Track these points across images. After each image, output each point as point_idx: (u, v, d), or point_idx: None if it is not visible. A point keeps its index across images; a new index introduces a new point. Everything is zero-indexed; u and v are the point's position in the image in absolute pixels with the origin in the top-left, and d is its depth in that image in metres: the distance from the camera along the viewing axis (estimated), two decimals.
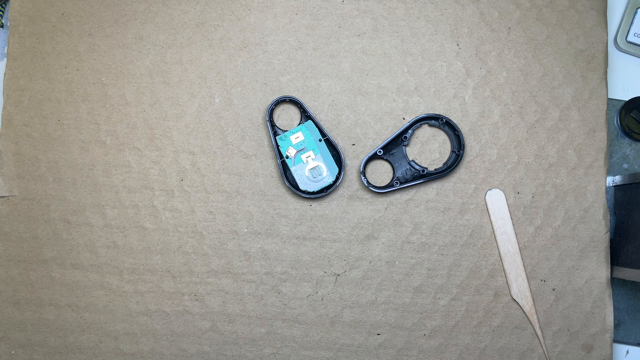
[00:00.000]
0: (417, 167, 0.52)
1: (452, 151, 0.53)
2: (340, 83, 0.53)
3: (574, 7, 0.53)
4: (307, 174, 0.52)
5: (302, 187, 0.52)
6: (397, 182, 0.52)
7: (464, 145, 0.52)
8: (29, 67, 0.53)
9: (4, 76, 0.53)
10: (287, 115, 0.53)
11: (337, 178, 0.52)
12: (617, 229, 0.54)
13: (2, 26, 0.57)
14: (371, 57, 0.53)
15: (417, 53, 0.53)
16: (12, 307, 0.52)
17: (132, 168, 0.53)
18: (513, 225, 0.52)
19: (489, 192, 0.52)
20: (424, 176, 0.52)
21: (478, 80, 0.53)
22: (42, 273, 0.52)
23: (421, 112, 0.53)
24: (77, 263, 0.52)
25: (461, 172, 0.52)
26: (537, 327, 0.51)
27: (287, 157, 0.52)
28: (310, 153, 0.52)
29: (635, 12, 0.57)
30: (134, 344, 0.52)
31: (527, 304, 0.51)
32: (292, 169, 0.52)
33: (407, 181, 0.52)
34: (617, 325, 0.54)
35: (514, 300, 0.52)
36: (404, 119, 0.53)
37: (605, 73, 0.53)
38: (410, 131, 0.52)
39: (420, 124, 0.53)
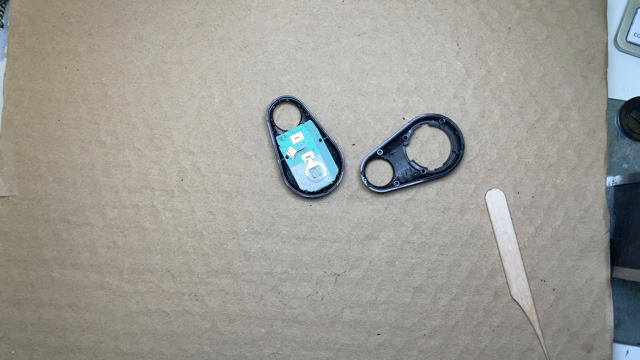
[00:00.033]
0: (417, 167, 0.52)
1: (452, 151, 0.53)
2: (340, 83, 0.53)
3: (574, 7, 0.53)
4: (307, 174, 0.52)
5: (302, 187, 0.52)
6: (397, 182, 0.52)
7: (464, 145, 0.52)
8: (29, 67, 0.53)
9: (4, 76, 0.53)
10: (287, 115, 0.53)
11: (337, 178, 0.52)
12: (617, 229, 0.54)
13: (2, 26, 0.57)
14: (371, 57, 0.53)
15: (417, 53, 0.53)
16: (12, 307, 0.52)
17: (132, 168, 0.53)
18: (513, 225, 0.52)
19: (489, 192, 0.52)
20: (424, 176, 0.52)
21: (478, 80, 0.53)
22: (42, 273, 0.52)
23: (421, 112, 0.53)
24: (77, 263, 0.52)
25: (461, 172, 0.52)
26: (537, 327, 0.51)
27: (287, 157, 0.52)
28: (310, 153, 0.52)
29: (635, 12, 0.57)
30: (134, 344, 0.52)
31: (527, 304, 0.51)
32: (292, 169, 0.52)
33: (407, 181, 0.52)
34: (617, 325, 0.54)
35: (514, 300, 0.52)
36: (404, 119, 0.53)
37: (605, 73, 0.53)
38: (410, 131, 0.52)
39: (420, 124, 0.53)
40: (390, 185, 0.52)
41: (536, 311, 0.52)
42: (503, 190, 0.52)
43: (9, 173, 0.53)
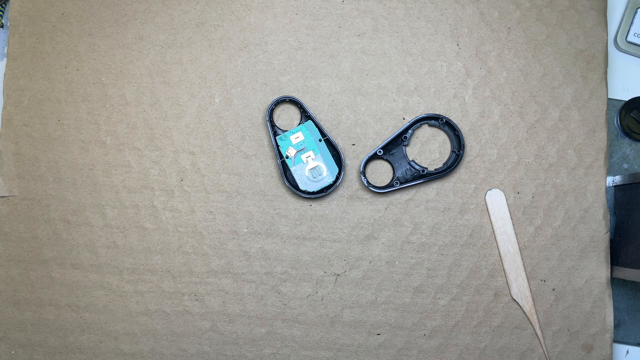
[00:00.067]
0: (417, 167, 0.52)
1: (452, 151, 0.53)
2: (340, 83, 0.53)
3: (574, 7, 0.53)
4: (307, 174, 0.52)
5: (302, 187, 0.52)
6: (397, 182, 0.52)
7: (464, 145, 0.52)
8: (29, 67, 0.53)
9: (4, 76, 0.53)
10: (287, 115, 0.53)
11: (337, 178, 0.52)
12: (617, 229, 0.54)
13: (2, 26, 0.57)
14: (371, 57, 0.53)
15: (417, 53, 0.53)
16: (12, 307, 0.52)
17: (132, 168, 0.53)
18: (513, 225, 0.52)
19: (489, 192, 0.52)
20: (424, 176, 0.52)
21: (478, 80, 0.53)
22: (42, 273, 0.52)
23: (421, 112, 0.53)
24: (77, 263, 0.52)
25: (461, 172, 0.52)
26: (537, 327, 0.51)
27: (287, 157, 0.52)
28: (310, 153, 0.52)
29: (635, 12, 0.57)
30: (134, 344, 0.52)
31: (527, 304, 0.51)
32: (292, 169, 0.52)
33: (407, 181, 0.52)
34: (617, 325, 0.54)
35: (514, 300, 0.52)
36: (404, 119, 0.53)
37: (605, 73, 0.53)
38: (410, 131, 0.52)
39: (420, 124, 0.53)
40: (390, 185, 0.52)
41: (536, 311, 0.52)
42: (503, 190, 0.52)
43: (9, 173, 0.53)
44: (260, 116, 0.53)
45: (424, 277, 0.52)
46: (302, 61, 0.53)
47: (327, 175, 0.52)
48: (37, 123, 0.53)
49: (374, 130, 0.53)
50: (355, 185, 0.52)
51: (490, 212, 0.52)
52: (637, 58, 0.57)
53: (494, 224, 0.52)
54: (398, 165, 0.52)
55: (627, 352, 0.55)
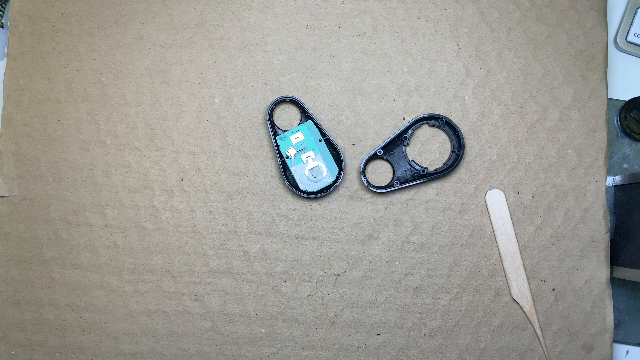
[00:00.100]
0: (417, 167, 0.52)
1: (452, 151, 0.53)
2: (340, 83, 0.53)
3: (574, 7, 0.53)
4: (307, 174, 0.52)
5: (302, 187, 0.52)
6: (397, 182, 0.52)
7: (464, 145, 0.52)
8: (29, 67, 0.53)
9: (4, 76, 0.53)
10: (287, 115, 0.53)
11: (337, 178, 0.52)
12: (617, 229, 0.54)
13: (2, 26, 0.57)
14: (371, 57, 0.53)
15: (417, 53, 0.53)
16: (12, 307, 0.52)
17: (132, 168, 0.53)
18: (513, 225, 0.52)
19: (489, 192, 0.52)
20: (424, 176, 0.52)
21: (478, 80, 0.53)
22: (42, 273, 0.52)
23: (421, 112, 0.53)
24: (77, 263, 0.52)
25: (461, 172, 0.52)
26: (537, 327, 0.51)
27: (287, 157, 0.52)
28: (310, 153, 0.52)
29: (635, 12, 0.57)
30: (134, 344, 0.52)
31: (527, 304, 0.51)
32: (292, 169, 0.52)
33: (407, 181, 0.52)
34: (617, 325, 0.54)
35: (514, 300, 0.52)
36: (404, 119, 0.53)
37: (605, 73, 0.53)
38: (410, 131, 0.52)
39: (420, 124, 0.53)
40: (390, 185, 0.52)
41: (536, 311, 0.52)
42: (503, 190, 0.52)
43: (9, 173, 0.53)
44: (260, 116, 0.53)
45: (424, 277, 0.52)
46: (302, 61, 0.53)
47: (327, 175, 0.52)
48: (37, 123, 0.53)
49: (374, 130, 0.53)
50: (355, 185, 0.52)
51: (490, 212, 0.52)
52: (637, 58, 0.57)
53: (494, 224, 0.52)
54: (398, 165, 0.52)
55: (627, 352, 0.55)
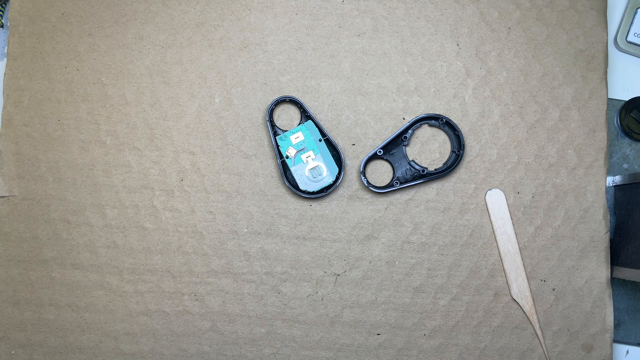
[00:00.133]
0: (417, 167, 0.52)
1: (452, 151, 0.53)
2: (340, 83, 0.53)
3: (574, 7, 0.53)
4: (307, 174, 0.52)
5: (302, 187, 0.52)
6: (397, 182, 0.52)
7: (464, 145, 0.52)
8: (29, 67, 0.53)
9: (4, 76, 0.53)
10: (287, 115, 0.53)
11: (337, 178, 0.52)
12: (617, 229, 0.54)
13: (2, 26, 0.57)
14: (371, 57, 0.53)
15: (417, 53, 0.53)
16: (12, 307, 0.52)
17: (132, 168, 0.53)
18: (513, 225, 0.52)
19: (489, 192, 0.52)
20: (424, 176, 0.52)
21: (478, 80, 0.53)
22: (42, 273, 0.52)
23: (421, 112, 0.53)
24: (77, 263, 0.52)
25: (461, 172, 0.52)
26: (537, 327, 0.51)
27: (287, 157, 0.52)
28: (310, 153, 0.52)
29: (635, 12, 0.57)
30: (134, 344, 0.52)
31: (527, 304, 0.51)
32: (292, 169, 0.52)
33: (407, 181, 0.52)
34: (617, 325, 0.54)
35: (514, 300, 0.52)
36: (404, 119, 0.53)
37: (605, 73, 0.53)
38: (410, 131, 0.52)
39: (420, 124, 0.53)
40: (390, 185, 0.52)
41: (536, 311, 0.52)
42: (503, 190, 0.52)
43: (9, 173, 0.53)
44: (260, 116, 0.53)
45: (424, 277, 0.52)
46: (302, 61, 0.53)
47: (327, 175, 0.52)
48: (37, 123, 0.53)
49: (374, 130, 0.53)
50: (355, 185, 0.52)
51: (490, 212, 0.52)
52: (637, 58, 0.57)
53: (494, 224, 0.52)
54: (398, 165, 0.52)
55: (627, 352, 0.55)
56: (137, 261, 0.52)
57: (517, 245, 0.52)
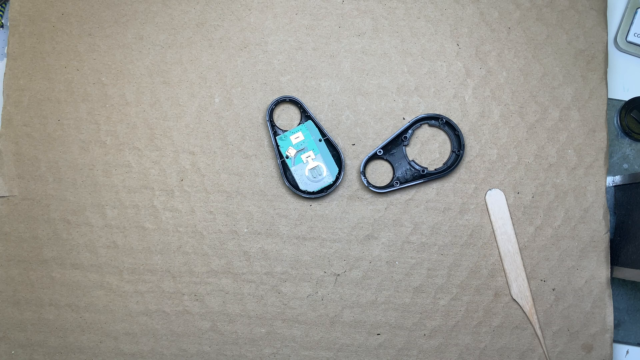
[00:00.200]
0: (417, 167, 0.52)
1: (452, 151, 0.53)
2: (340, 83, 0.53)
3: (574, 7, 0.53)
4: (307, 174, 0.52)
5: (302, 187, 0.52)
6: (397, 182, 0.52)
7: (464, 145, 0.52)
8: (29, 67, 0.53)
9: (4, 76, 0.53)
10: (287, 115, 0.53)
11: (337, 178, 0.52)
12: (617, 229, 0.54)
13: (2, 26, 0.57)
14: (371, 57, 0.53)
15: (417, 53, 0.53)
16: (12, 307, 0.52)
17: (132, 168, 0.53)
18: (513, 225, 0.52)
19: (489, 192, 0.52)
20: (424, 176, 0.52)
21: (478, 80, 0.53)
22: (42, 273, 0.52)
23: (421, 112, 0.53)
24: (77, 263, 0.52)
25: (461, 172, 0.52)
26: (537, 327, 0.51)
27: (287, 157, 0.52)
28: (310, 153, 0.52)
29: (635, 12, 0.57)
30: (134, 344, 0.52)
31: (527, 304, 0.51)
32: (292, 169, 0.52)
33: (407, 181, 0.52)
34: (617, 325, 0.54)
35: (514, 300, 0.52)
36: (404, 119, 0.53)
37: (605, 73, 0.53)
38: (410, 131, 0.52)
39: (420, 124, 0.53)
40: (390, 185, 0.52)
41: (536, 311, 0.52)
42: (503, 190, 0.52)
43: (9, 173, 0.53)
44: (260, 116, 0.53)
45: (424, 277, 0.52)
46: (302, 61, 0.53)
47: (327, 175, 0.52)
48: (37, 123, 0.53)
49: (374, 130, 0.53)
50: (355, 185, 0.52)
51: (490, 212, 0.52)
52: (637, 58, 0.57)
53: (494, 224, 0.52)
54: (398, 165, 0.52)
55: (627, 352, 0.55)
56: (137, 261, 0.52)
57: (517, 245, 0.52)
